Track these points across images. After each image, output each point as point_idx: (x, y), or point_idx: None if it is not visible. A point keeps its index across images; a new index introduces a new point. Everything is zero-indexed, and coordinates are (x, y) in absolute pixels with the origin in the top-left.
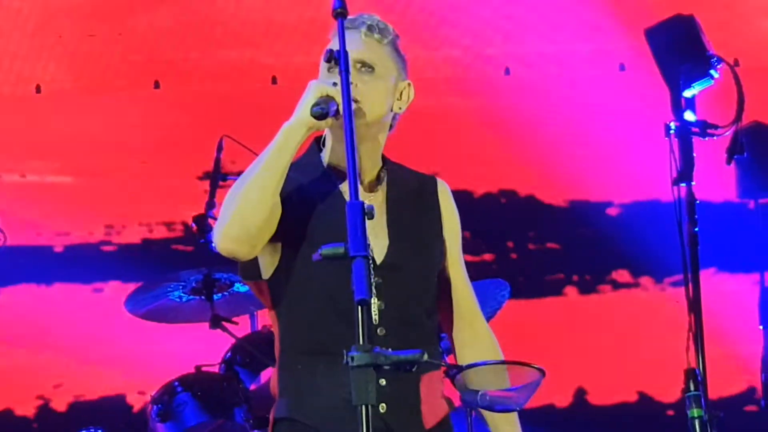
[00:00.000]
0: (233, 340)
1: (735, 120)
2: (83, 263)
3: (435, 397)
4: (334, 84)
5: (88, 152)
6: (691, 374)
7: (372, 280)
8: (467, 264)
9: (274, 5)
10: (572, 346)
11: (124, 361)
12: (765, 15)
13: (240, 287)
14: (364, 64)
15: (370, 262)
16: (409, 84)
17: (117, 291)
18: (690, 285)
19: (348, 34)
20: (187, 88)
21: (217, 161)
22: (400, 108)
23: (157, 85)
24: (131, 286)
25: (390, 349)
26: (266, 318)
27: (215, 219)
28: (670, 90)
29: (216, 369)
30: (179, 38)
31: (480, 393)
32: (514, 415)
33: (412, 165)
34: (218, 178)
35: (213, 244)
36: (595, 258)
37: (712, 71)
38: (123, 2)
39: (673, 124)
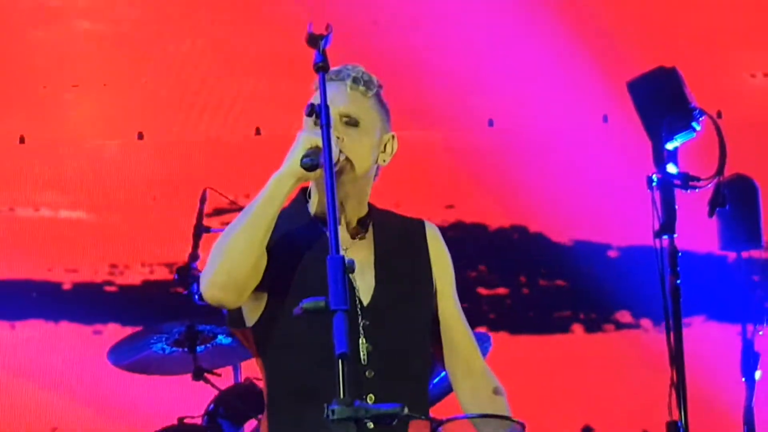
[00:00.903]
0: (216, 392)
1: (717, 172)
2: (87, 303)
3: None
4: None
5: (100, 189)
6: (672, 427)
7: (359, 321)
8: (481, 297)
9: (258, 57)
10: (579, 382)
11: (110, 411)
12: (747, 67)
13: (223, 339)
14: (349, 117)
15: (357, 303)
16: (393, 136)
17: (115, 334)
18: (672, 336)
19: (333, 85)
20: (171, 139)
21: (200, 213)
22: (384, 161)
23: (140, 136)
24: (128, 330)
25: (378, 392)
26: (249, 370)
27: (198, 271)
28: (653, 142)
29: (199, 421)
30: (163, 89)
31: None
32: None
33: (426, 196)
34: (201, 230)
35: (197, 296)
36: (600, 297)
37: (694, 123)
38: (106, 53)
39: (655, 177)
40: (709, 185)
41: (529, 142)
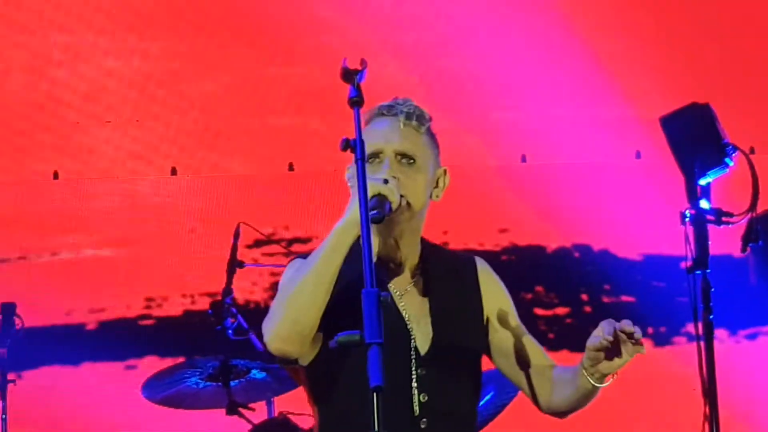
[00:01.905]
0: (250, 427)
1: (750, 208)
2: (118, 339)
3: None
4: (385, 181)
5: (134, 223)
6: None
7: (413, 370)
8: (539, 318)
9: (291, 92)
10: (646, 399)
11: None
12: None
13: (257, 373)
14: (405, 155)
15: (413, 352)
16: (445, 171)
17: (153, 366)
18: (705, 372)
19: (384, 121)
20: (204, 174)
21: (234, 248)
22: (437, 196)
23: (173, 172)
24: (167, 362)
25: None
26: (283, 404)
27: (232, 305)
28: (686, 178)
29: None
30: (196, 125)
31: None
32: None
33: (479, 221)
34: (235, 265)
35: (231, 330)
36: (671, 310)
37: (727, 159)
38: (139, 89)
39: (688, 212)
40: (742, 221)
41: (562, 179)
